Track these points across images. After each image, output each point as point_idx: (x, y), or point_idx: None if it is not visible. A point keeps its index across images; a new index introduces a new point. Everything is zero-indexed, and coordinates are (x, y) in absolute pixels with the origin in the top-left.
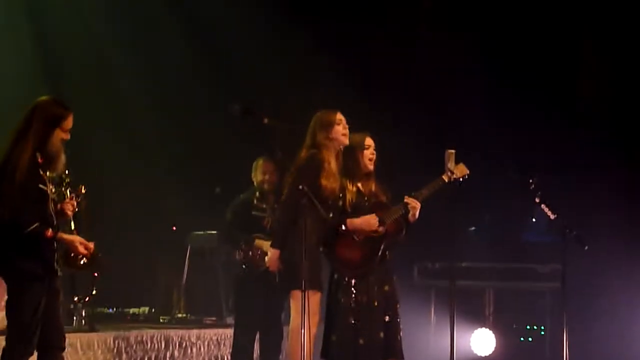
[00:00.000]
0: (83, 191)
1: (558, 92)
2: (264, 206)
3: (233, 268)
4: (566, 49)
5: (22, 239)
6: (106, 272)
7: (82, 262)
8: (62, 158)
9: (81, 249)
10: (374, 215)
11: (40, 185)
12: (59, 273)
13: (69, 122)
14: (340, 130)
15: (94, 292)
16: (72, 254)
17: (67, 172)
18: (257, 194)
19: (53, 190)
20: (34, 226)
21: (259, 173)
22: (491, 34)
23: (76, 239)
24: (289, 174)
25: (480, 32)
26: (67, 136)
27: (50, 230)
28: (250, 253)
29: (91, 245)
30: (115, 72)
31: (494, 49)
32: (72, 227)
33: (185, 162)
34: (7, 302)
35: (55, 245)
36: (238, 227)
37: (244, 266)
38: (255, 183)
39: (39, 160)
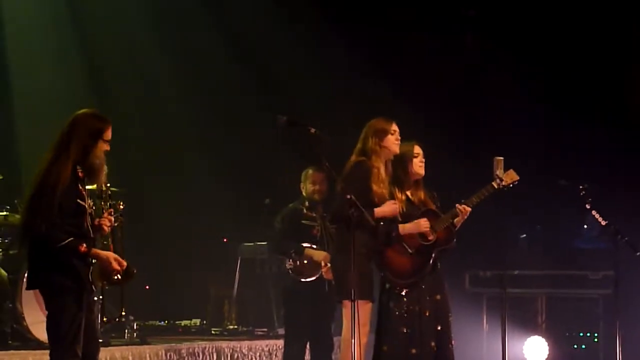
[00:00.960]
0: (121, 207)
1: (606, 99)
2: (314, 215)
3: (283, 278)
4: (614, 53)
5: (56, 253)
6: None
7: (116, 278)
8: (105, 169)
9: (115, 265)
10: (425, 220)
11: (79, 200)
12: (94, 288)
13: (109, 133)
14: (393, 139)
15: (122, 313)
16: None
17: (107, 185)
18: (307, 203)
19: (92, 204)
20: (68, 241)
21: (309, 183)
22: (537, 42)
23: (110, 255)
24: (338, 183)
25: (527, 40)
26: (108, 147)
27: (84, 245)
28: (300, 262)
29: (124, 262)
30: (163, 86)
31: (540, 57)
32: (109, 242)
33: (234, 173)
34: (48, 317)
35: (90, 259)
36: (287, 237)
37: (293, 275)
38: (304, 193)
39: (79, 174)
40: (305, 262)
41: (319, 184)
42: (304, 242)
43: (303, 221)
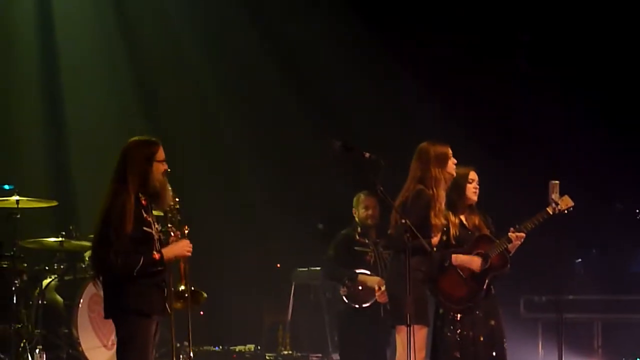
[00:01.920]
0: (186, 232)
1: None
2: (367, 241)
3: (338, 304)
4: None
5: (132, 279)
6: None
7: (184, 296)
8: (168, 190)
9: (188, 250)
10: (479, 258)
11: (145, 228)
12: (169, 311)
13: (161, 154)
14: (452, 165)
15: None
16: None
17: (175, 207)
18: (359, 229)
19: (159, 228)
20: (142, 262)
21: (361, 208)
22: (592, 65)
23: (179, 243)
24: (394, 210)
25: (581, 62)
26: (166, 166)
27: (155, 252)
28: (354, 289)
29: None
30: (217, 108)
31: (595, 80)
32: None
33: (287, 199)
34: (118, 341)
35: (164, 283)
36: (340, 263)
37: (347, 302)
38: (356, 218)
39: (143, 202)
40: (360, 288)
41: (371, 209)
42: (357, 268)
43: (356, 247)
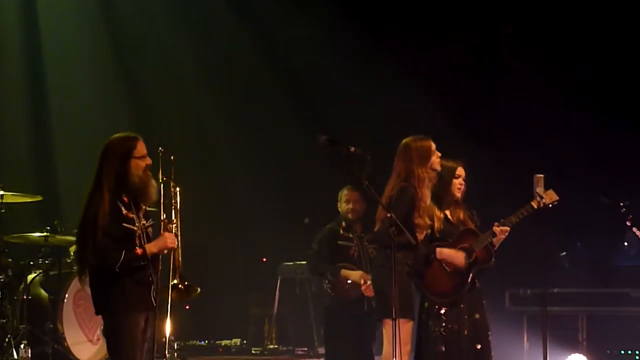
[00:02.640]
0: (174, 226)
1: None
2: (350, 235)
3: (323, 298)
4: None
5: (116, 276)
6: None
7: (178, 288)
8: (152, 185)
9: (172, 242)
10: (462, 253)
11: (125, 225)
12: (154, 304)
13: (141, 149)
14: (436, 160)
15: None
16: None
17: (174, 196)
18: (343, 223)
19: (145, 224)
20: (123, 257)
21: (343, 202)
22: (577, 57)
23: (163, 236)
24: (380, 204)
25: (566, 55)
26: (148, 161)
27: (137, 248)
28: (340, 283)
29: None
30: (203, 103)
31: (580, 72)
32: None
33: (273, 193)
34: (107, 337)
35: (151, 277)
36: (324, 258)
37: (334, 295)
38: (341, 212)
39: (125, 199)
40: (349, 281)
41: (352, 203)
42: (341, 263)
43: (339, 242)
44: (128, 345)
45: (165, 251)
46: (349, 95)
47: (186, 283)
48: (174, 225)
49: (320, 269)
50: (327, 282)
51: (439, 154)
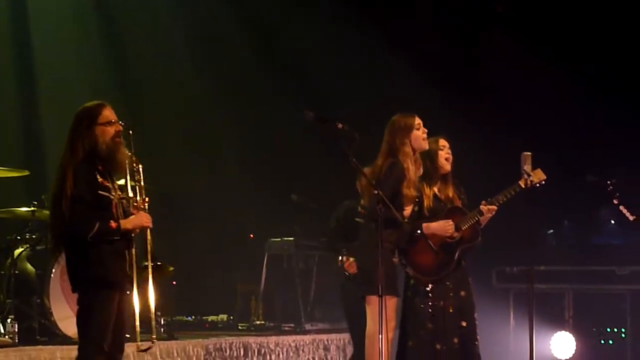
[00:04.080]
0: (146, 205)
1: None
2: None
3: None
4: None
5: (89, 247)
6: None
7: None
8: (122, 153)
9: (147, 222)
10: (449, 221)
11: (101, 192)
12: (133, 281)
13: (106, 115)
14: (420, 135)
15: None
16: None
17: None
18: (362, 201)
19: (121, 194)
20: (97, 227)
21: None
22: (566, 37)
23: (140, 215)
24: (368, 183)
25: (556, 35)
26: (117, 127)
27: (112, 221)
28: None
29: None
30: (190, 78)
31: (569, 52)
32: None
33: (261, 170)
34: (78, 311)
35: (127, 254)
36: (341, 235)
37: (346, 274)
38: (359, 190)
39: (99, 167)
40: None
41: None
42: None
43: (357, 219)
44: (99, 322)
45: (138, 230)
46: (337, 71)
47: (158, 263)
48: (146, 203)
49: (336, 246)
50: (341, 259)
51: (425, 130)
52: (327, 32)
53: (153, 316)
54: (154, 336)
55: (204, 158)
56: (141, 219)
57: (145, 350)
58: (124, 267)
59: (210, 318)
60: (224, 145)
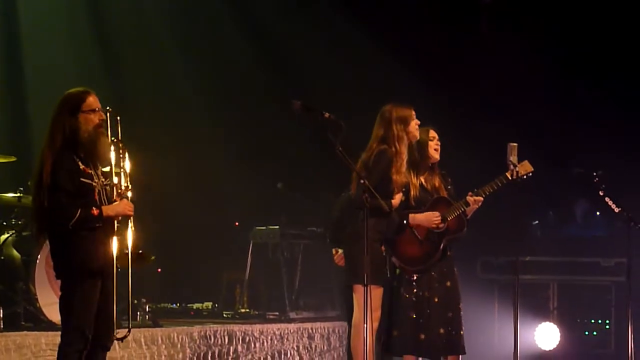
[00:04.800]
0: (127, 192)
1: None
2: None
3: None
4: (633, 40)
5: (71, 234)
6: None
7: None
8: (103, 143)
9: (129, 210)
10: (436, 212)
11: (82, 179)
12: (117, 268)
13: (90, 104)
14: (415, 126)
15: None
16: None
17: (123, 163)
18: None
19: (104, 181)
20: (78, 214)
21: None
22: (552, 29)
23: (122, 203)
24: (354, 170)
25: (542, 26)
26: (100, 116)
27: (94, 208)
28: None
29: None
30: (176, 66)
31: (555, 44)
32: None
33: (247, 158)
34: (60, 298)
35: (110, 240)
36: (343, 226)
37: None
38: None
39: (81, 154)
40: None
41: None
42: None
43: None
44: (80, 309)
45: (120, 218)
46: (322, 61)
47: (140, 251)
48: (129, 191)
49: (339, 237)
50: (335, 251)
51: (418, 122)
52: (313, 25)
53: (130, 305)
54: (130, 325)
55: (190, 145)
56: (123, 207)
57: (121, 339)
58: (106, 254)
59: (195, 306)
60: (209, 132)
